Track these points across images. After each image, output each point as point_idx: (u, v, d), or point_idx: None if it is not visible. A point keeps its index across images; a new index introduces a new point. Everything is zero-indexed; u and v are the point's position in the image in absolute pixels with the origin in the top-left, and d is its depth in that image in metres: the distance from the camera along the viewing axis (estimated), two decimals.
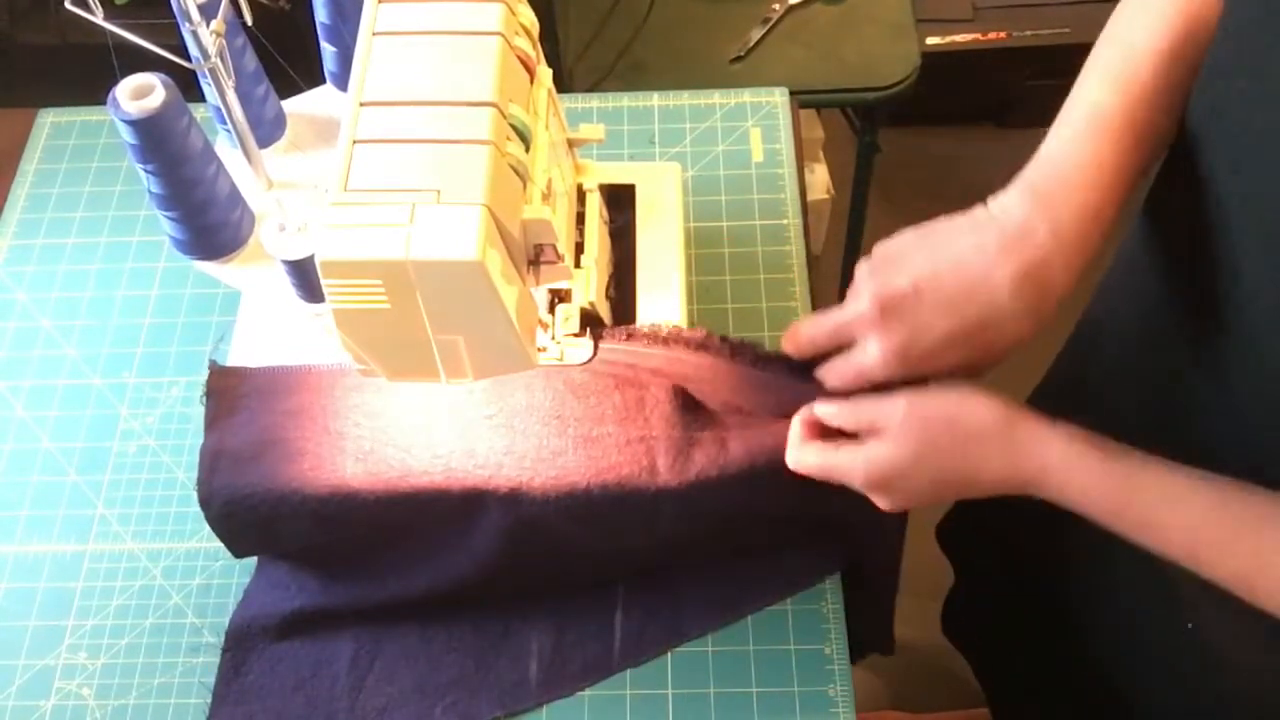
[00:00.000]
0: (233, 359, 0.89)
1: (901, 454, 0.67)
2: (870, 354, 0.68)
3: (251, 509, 0.80)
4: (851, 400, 0.70)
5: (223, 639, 0.86)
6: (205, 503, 0.81)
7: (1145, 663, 0.83)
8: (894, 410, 0.67)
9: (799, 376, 0.77)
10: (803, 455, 0.72)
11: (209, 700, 0.84)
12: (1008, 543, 0.96)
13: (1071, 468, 0.64)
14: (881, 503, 0.69)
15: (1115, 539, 0.65)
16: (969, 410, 0.66)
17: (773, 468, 0.76)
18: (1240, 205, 0.62)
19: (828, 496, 0.75)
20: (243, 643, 0.85)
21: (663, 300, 0.87)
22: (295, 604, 0.85)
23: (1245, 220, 0.61)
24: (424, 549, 0.84)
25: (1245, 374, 0.65)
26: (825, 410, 0.72)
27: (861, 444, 0.69)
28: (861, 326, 0.69)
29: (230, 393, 0.83)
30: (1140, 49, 0.68)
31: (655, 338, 0.82)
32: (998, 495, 0.67)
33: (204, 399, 0.83)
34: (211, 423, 0.82)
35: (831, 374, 0.72)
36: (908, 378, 0.69)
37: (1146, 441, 0.66)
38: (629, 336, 0.82)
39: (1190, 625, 0.75)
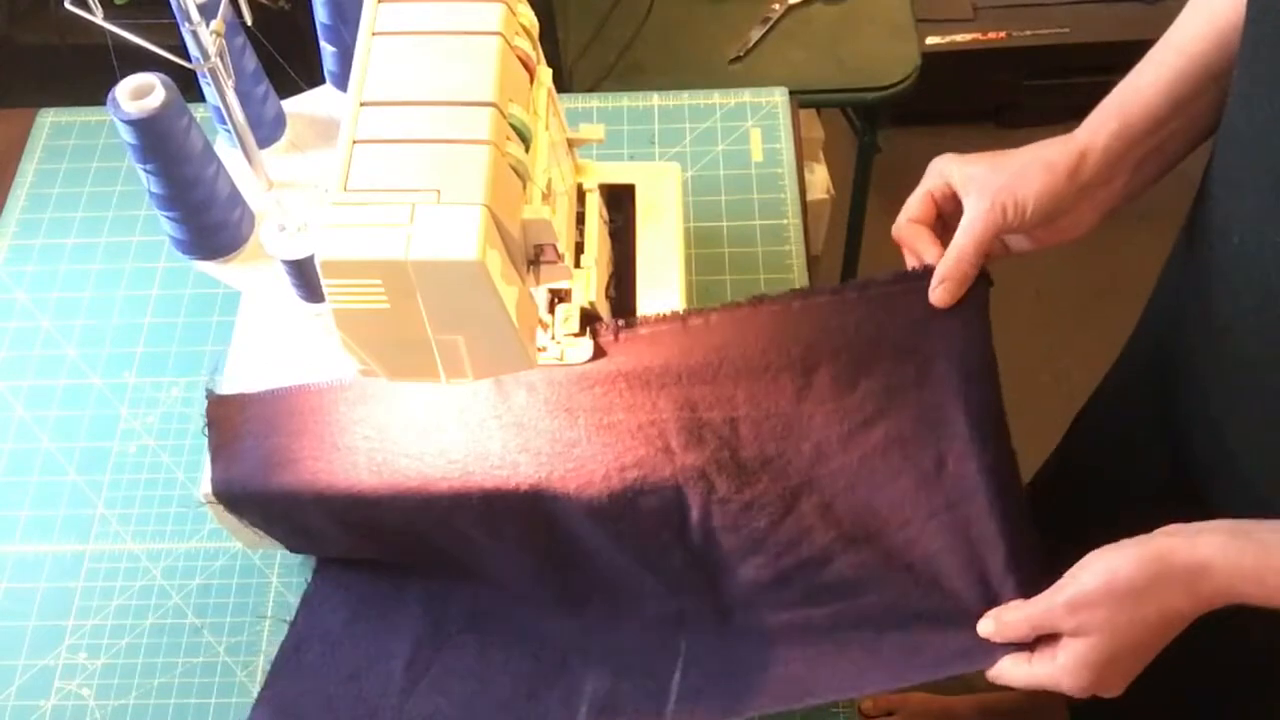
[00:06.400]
0: (232, 361, 0.88)
1: (1093, 649, 0.67)
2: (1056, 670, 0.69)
3: (282, 522, 0.81)
4: (1016, 614, 0.71)
5: (294, 610, 0.86)
6: (240, 517, 0.81)
7: None
8: (1059, 615, 0.68)
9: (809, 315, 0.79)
10: (1001, 674, 0.72)
11: (213, 700, 0.84)
12: None
13: (1233, 569, 0.64)
14: (1104, 694, 0.69)
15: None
16: (1123, 575, 0.65)
17: (782, 452, 0.77)
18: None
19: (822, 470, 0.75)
20: (311, 620, 0.85)
21: (662, 300, 0.87)
22: (370, 587, 0.86)
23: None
24: (458, 564, 0.84)
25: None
26: (989, 629, 0.72)
27: (1050, 654, 0.69)
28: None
29: (230, 421, 0.81)
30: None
31: (652, 321, 0.82)
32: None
33: (204, 430, 0.81)
34: (216, 453, 0.80)
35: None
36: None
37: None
38: (628, 325, 0.82)
39: None
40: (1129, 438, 0.95)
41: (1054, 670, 0.69)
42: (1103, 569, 0.66)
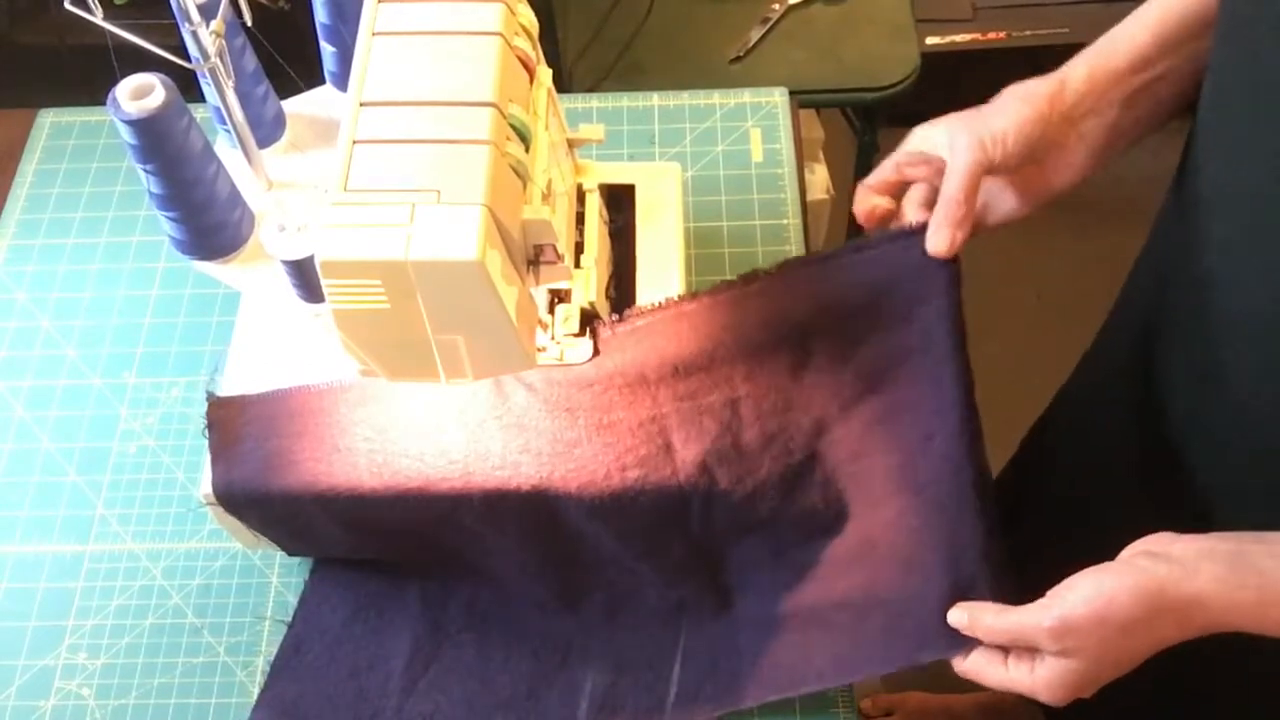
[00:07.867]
0: (232, 361, 0.88)
1: (1074, 671, 0.65)
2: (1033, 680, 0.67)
3: (282, 524, 0.81)
4: (998, 622, 0.68)
5: (291, 612, 0.86)
6: (241, 519, 0.81)
7: None
8: (1044, 636, 0.65)
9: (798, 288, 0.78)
10: (973, 671, 0.70)
11: (213, 700, 0.84)
12: None
13: (1230, 605, 0.62)
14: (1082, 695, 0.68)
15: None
16: (1118, 606, 0.63)
17: (785, 428, 0.77)
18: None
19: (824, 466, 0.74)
20: (309, 620, 0.85)
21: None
22: (368, 587, 0.86)
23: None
24: (459, 562, 0.84)
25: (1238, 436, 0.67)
26: (962, 621, 0.70)
27: (1028, 664, 0.67)
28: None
29: (230, 423, 0.81)
30: None
31: (647, 311, 0.81)
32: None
33: (204, 432, 0.81)
34: (216, 455, 0.80)
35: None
36: None
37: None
38: (622, 319, 0.81)
39: None
40: (1101, 427, 0.93)
41: (1031, 681, 0.67)
42: (1095, 595, 0.63)
